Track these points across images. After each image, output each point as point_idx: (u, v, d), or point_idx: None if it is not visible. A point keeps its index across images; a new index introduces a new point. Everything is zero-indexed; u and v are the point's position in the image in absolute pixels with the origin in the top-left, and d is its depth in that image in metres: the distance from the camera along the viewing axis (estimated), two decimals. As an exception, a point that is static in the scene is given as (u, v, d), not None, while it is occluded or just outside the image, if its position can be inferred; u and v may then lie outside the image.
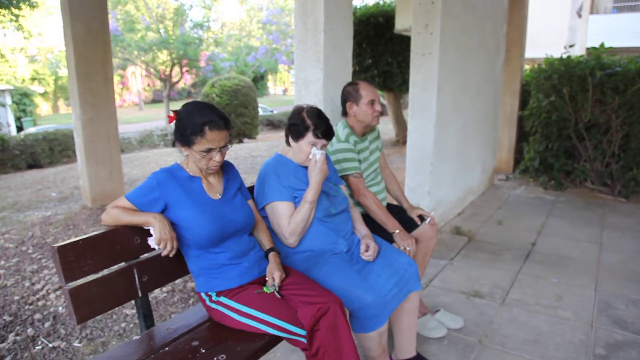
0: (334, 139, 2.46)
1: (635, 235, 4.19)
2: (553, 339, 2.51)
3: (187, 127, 1.70)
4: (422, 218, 2.57)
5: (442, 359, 2.34)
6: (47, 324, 2.96)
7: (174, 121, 1.76)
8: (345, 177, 2.39)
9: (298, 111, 2.05)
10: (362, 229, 2.22)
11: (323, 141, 2.01)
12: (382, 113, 2.57)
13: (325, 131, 2.00)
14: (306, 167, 2.09)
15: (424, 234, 2.54)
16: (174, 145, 1.80)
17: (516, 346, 2.45)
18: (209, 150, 1.72)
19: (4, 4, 9.49)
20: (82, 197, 5.94)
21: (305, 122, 2.00)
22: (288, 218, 2.00)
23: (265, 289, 1.78)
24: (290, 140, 2.06)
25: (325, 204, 2.06)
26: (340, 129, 2.49)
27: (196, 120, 1.69)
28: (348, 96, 2.48)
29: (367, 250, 2.09)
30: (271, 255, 1.91)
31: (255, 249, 1.91)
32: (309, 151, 2.01)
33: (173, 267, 1.90)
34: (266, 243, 1.97)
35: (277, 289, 1.79)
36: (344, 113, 2.52)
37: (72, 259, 1.59)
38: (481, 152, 5.39)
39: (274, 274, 1.81)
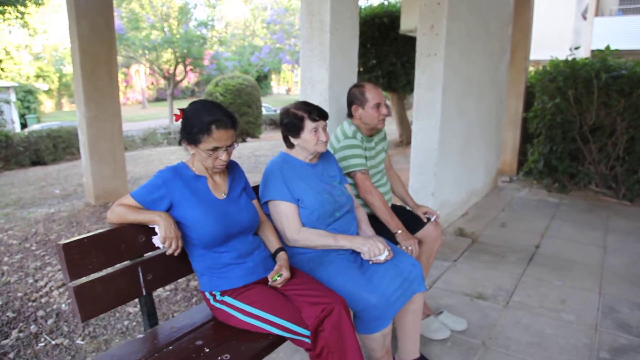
0: (340, 136, 2.45)
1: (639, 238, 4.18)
2: (557, 342, 2.50)
3: (194, 125, 1.70)
4: (427, 218, 2.57)
5: (445, 361, 2.34)
6: (50, 321, 2.97)
7: (181, 120, 1.76)
8: (352, 174, 2.39)
9: (285, 111, 2.09)
10: (368, 230, 2.22)
11: (322, 122, 2.05)
12: (389, 114, 2.56)
13: (319, 112, 2.05)
14: (312, 164, 2.10)
15: (428, 236, 2.53)
16: (180, 143, 1.79)
17: (520, 349, 2.44)
18: (216, 149, 1.72)
19: (9, 1, 9.52)
20: (86, 195, 5.95)
21: (298, 115, 2.03)
22: (290, 218, 2.00)
23: (275, 277, 1.80)
24: (292, 139, 2.07)
25: (329, 210, 2.05)
26: (346, 126, 2.48)
27: (203, 119, 1.68)
28: (354, 99, 2.46)
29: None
30: (282, 254, 1.92)
31: (260, 248, 1.91)
32: (315, 138, 2.03)
33: (177, 266, 1.90)
34: (274, 242, 1.97)
35: (274, 282, 1.80)
36: (350, 115, 2.51)
37: (77, 256, 1.59)
38: (485, 153, 5.38)
39: (282, 272, 1.81)
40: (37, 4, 10.10)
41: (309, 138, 2.03)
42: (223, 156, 1.75)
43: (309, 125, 2.02)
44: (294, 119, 2.03)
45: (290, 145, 2.10)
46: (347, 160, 2.38)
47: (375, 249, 1.97)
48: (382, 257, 1.98)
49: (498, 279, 3.29)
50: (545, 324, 2.70)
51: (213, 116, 1.69)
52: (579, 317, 2.78)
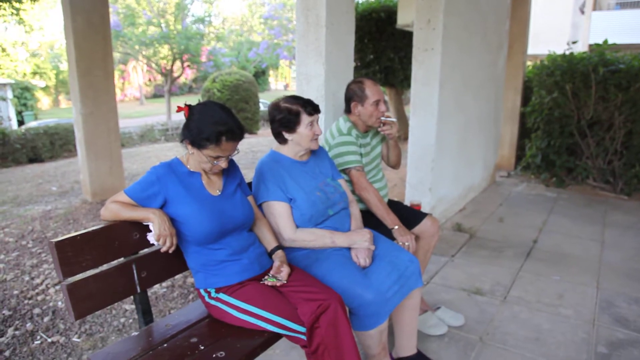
0: (335, 132, 2.44)
1: (637, 233, 4.17)
2: (554, 337, 2.50)
3: (203, 131, 1.66)
4: (422, 214, 2.55)
5: (442, 357, 2.33)
6: (46, 319, 2.95)
7: (186, 118, 1.72)
8: (347, 171, 2.37)
9: (276, 106, 2.04)
10: (356, 228, 2.19)
11: (317, 116, 2.04)
12: (387, 110, 2.54)
13: (314, 106, 2.03)
14: (302, 162, 2.09)
15: (425, 231, 2.51)
16: (182, 142, 1.76)
17: (517, 344, 2.44)
18: (218, 157, 1.71)
19: (4, -2, 9.43)
20: (83, 192, 5.93)
21: (293, 109, 2.00)
22: (285, 218, 1.99)
23: (269, 279, 1.79)
24: (286, 134, 2.04)
25: (322, 209, 2.03)
26: (342, 122, 2.46)
27: (214, 128, 1.65)
28: (353, 95, 2.44)
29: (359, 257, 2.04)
30: (280, 252, 1.91)
31: (255, 245, 1.89)
32: (311, 132, 2.01)
33: (172, 263, 1.88)
34: (271, 240, 1.95)
35: (277, 281, 1.79)
36: (347, 111, 2.49)
37: (71, 254, 1.58)
38: (483, 148, 5.37)
39: (282, 268, 1.81)
40: (33, 0, 10.01)
41: (305, 133, 2.01)
42: (223, 163, 1.74)
43: (305, 119, 1.99)
44: (289, 114, 2.00)
45: (283, 141, 2.08)
46: (342, 156, 2.36)
47: (368, 258, 2.01)
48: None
49: (496, 274, 3.29)
50: (543, 319, 2.70)
51: (224, 126, 1.66)
52: (576, 311, 2.78)
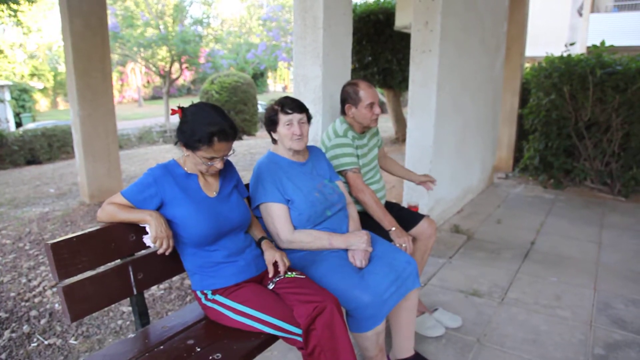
0: (331, 134, 2.44)
1: (635, 234, 4.18)
2: (552, 339, 2.50)
3: (195, 133, 1.67)
4: (420, 215, 2.55)
5: (440, 359, 2.33)
6: (43, 321, 2.95)
7: (180, 120, 1.72)
8: (343, 172, 2.37)
9: (268, 106, 2.10)
10: (354, 229, 2.19)
11: (296, 115, 2.01)
12: (382, 111, 2.55)
13: (292, 105, 2.01)
14: (300, 163, 2.10)
15: (423, 233, 2.52)
16: (176, 144, 1.76)
17: (515, 346, 2.44)
18: (213, 158, 1.71)
19: (2, 0, 9.43)
20: (80, 194, 5.92)
21: (274, 108, 2.04)
22: (283, 220, 1.99)
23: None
24: (272, 133, 2.08)
25: (320, 209, 2.04)
26: (338, 124, 2.46)
27: (205, 129, 1.65)
28: (347, 97, 2.44)
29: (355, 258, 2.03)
30: (265, 243, 1.90)
31: (251, 246, 1.89)
32: (289, 132, 2.01)
33: (169, 265, 1.88)
34: (257, 233, 1.96)
35: (285, 274, 1.80)
36: (343, 112, 2.50)
37: (67, 256, 1.57)
38: (481, 150, 5.37)
39: (276, 259, 1.81)
40: (30, 1, 10.01)
41: (283, 132, 2.02)
42: (218, 164, 1.74)
43: (282, 118, 2.01)
44: (271, 113, 2.04)
45: (273, 141, 2.12)
46: (338, 159, 2.37)
47: (365, 260, 2.00)
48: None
49: (493, 276, 3.29)
50: (541, 320, 2.70)
51: (216, 127, 1.66)
52: (574, 313, 2.78)
